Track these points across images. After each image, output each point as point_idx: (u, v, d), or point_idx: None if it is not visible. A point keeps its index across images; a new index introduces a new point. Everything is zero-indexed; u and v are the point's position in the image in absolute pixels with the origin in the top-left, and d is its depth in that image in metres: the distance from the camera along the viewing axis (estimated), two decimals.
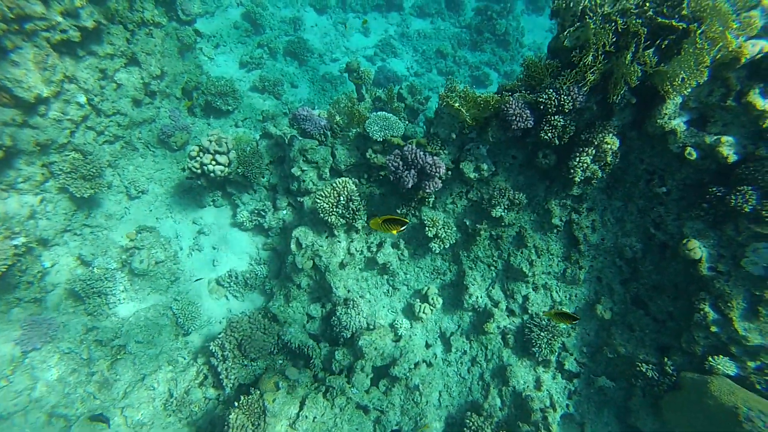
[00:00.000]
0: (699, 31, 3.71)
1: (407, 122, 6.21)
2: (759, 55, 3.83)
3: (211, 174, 6.04)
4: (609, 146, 4.64)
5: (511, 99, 4.56)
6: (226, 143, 6.10)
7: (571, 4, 4.43)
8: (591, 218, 5.21)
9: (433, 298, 5.38)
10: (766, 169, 3.94)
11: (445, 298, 5.63)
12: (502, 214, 5.16)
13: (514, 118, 4.55)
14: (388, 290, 5.77)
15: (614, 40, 4.04)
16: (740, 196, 4.01)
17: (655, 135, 4.55)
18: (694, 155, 4.33)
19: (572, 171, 4.75)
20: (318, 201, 5.27)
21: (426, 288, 5.50)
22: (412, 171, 4.81)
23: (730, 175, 4.23)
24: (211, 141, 6.02)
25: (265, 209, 6.38)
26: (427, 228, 5.33)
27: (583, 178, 4.81)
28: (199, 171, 6.03)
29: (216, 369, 5.22)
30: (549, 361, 5.20)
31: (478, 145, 5.22)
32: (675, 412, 4.32)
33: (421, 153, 4.77)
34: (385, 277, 5.78)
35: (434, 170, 4.75)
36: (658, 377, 4.51)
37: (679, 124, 4.37)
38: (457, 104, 4.79)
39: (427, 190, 4.95)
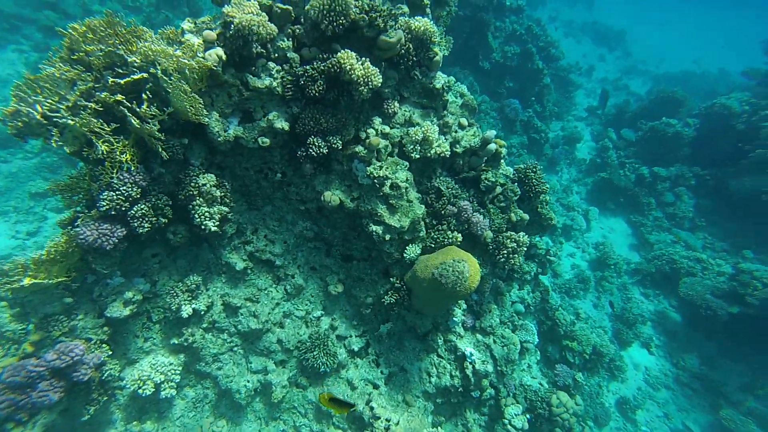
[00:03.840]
0: None
1: None
2: None
3: None
4: (208, 184, 4.59)
5: (78, 230, 3.89)
6: None
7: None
8: (262, 236, 5.27)
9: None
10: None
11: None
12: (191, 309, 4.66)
13: (100, 243, 3.92)
14: None
15: (102, 118, 3.79)
16: (311, 147, 4.62)
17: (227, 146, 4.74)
18: (267, 142, 4.71)
19: (204, 226, 4.56)
20: None
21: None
22: None
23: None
24: None
25: None
26: None
27: (218, 222, 4.69)
28: None
29: None
30: (342, 364, 5.30)
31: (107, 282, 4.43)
32: (420, 304, 5.11)
33: None
34: None
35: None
36: (398, 296, 5.14)
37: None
38: (27, 281, 3.82)
39: None
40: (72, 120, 3.54)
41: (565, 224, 11.77)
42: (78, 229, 3.85)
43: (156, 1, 14.53)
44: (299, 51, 4.66)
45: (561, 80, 16.96)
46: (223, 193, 4.70)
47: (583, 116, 17.14)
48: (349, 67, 4.28)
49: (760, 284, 8.66)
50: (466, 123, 5.81)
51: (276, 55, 4.59)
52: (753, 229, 11.54)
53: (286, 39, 4.60)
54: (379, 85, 4.46)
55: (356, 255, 5.42)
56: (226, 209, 4.72)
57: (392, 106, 5.12)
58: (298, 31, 4.62)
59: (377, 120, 5.08)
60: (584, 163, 14.48)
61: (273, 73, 4.55)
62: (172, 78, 3.77)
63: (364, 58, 4.49)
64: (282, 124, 4.62)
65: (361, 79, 4.39)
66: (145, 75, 3.78)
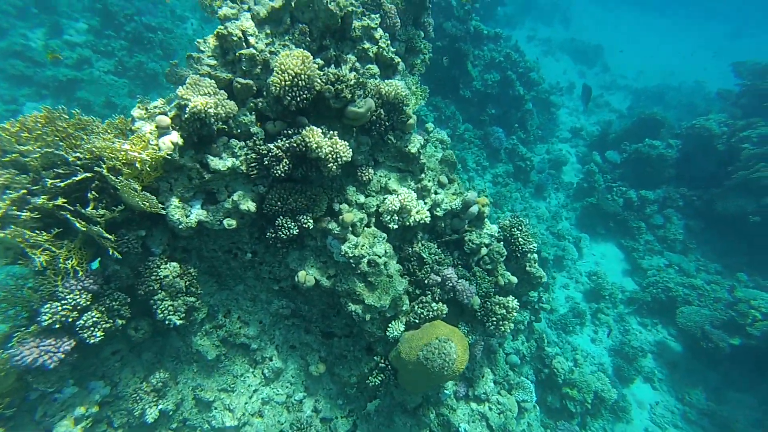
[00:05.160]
0: None
1: None
2: None
3: None
4: (170, 275, 4.22)
5: (12, 352, 3.48)
6: None
7: None
8: (236, 318, 4.91)
9: None
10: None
11: None
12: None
13: (41, 362, 3.52)
14: None
15: (42, 222, 3.44)
16: (280, 230, 4.30)
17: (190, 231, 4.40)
18: (234, 224, 4.39)
19: (168, 321, 4.19)
20: None
21: None
22: None
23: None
24: None
25: None
26: None
27: (184, 314, 4.32)
28: None
29: None
30: None
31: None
32: (407, 384, 4.77)
33: None
34: None
35: None
36: (383, 377, 4.78)
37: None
38: None
39: None
40: (1, 233, 3.18)
41: (556, 255, 11.51)
42: (12, 351, 3.43)
43: (128, 45, 14.30)
44: (264, 125, 4.37)
45: (543, 103, 16.96)
46: (188, 282, 4.35)
47: (568, 137, 17.12)
48: (315, 145, 4.00)
49: (759, 314, 8.45)
50: (446, 180, 5.56)
51: (238, 130, 4.30)
52: (744, 249, 11.41)
53: (248, 113, 4.31)
54: (349, 159, 4.17)
55: (337, 332, 5.07)
56: (193, 299, 4.36)
57: (367, 173, 4.84)
58: (261, 104, 4.34)
59: (351, 190, 4.80)
60: (572, 187, 14.34)
61: (236, 150, 4.24)
62: (120, 176, 3.45)
63: (332, 132, 4.23)
64: (248, 205, 4.30)
65: (330, 156, 4.10)
66: (90, 174, 3.44)
